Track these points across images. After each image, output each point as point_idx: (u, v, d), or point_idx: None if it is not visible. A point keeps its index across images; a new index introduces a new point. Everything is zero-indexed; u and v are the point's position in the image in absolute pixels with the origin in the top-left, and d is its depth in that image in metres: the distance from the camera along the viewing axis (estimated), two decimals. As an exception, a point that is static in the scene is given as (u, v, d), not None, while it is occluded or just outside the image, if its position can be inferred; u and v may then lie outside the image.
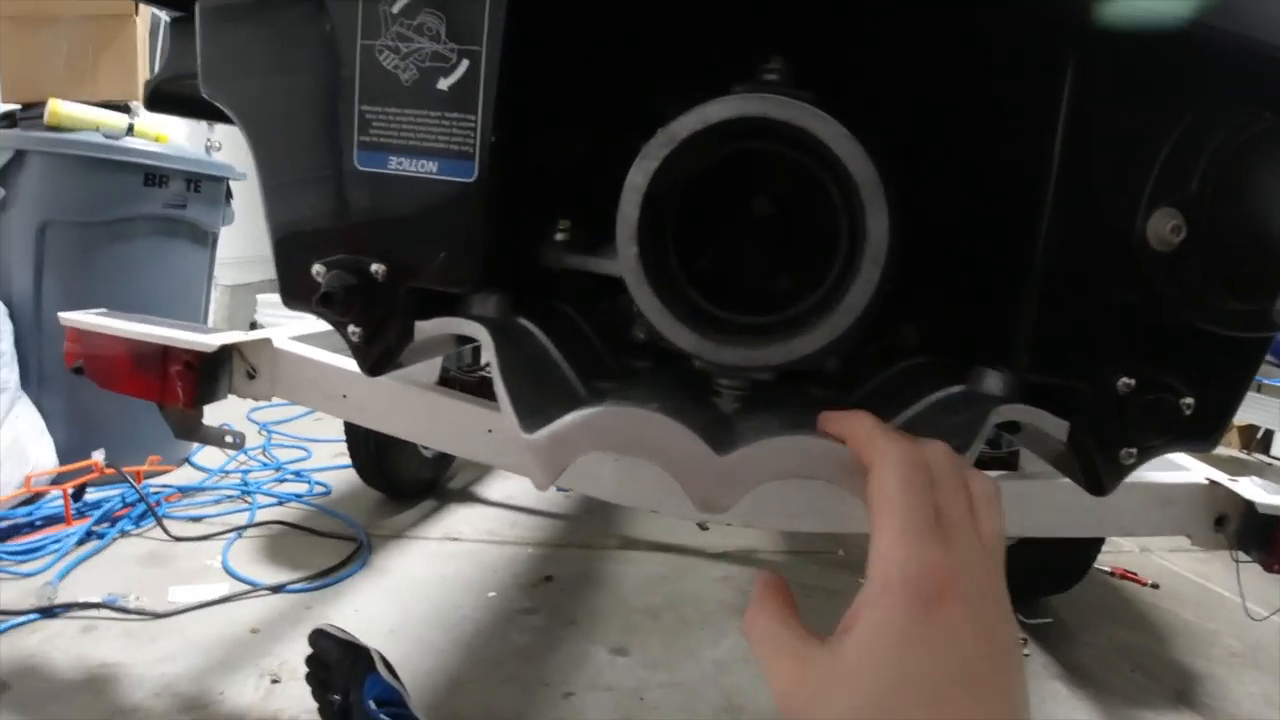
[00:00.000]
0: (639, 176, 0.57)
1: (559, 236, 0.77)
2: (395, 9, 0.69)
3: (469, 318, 0.74)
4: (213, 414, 1.39)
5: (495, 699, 1.61)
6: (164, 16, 0.98)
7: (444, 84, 0.68)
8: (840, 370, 0.92)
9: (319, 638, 1.44)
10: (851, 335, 0.57)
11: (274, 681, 1.58)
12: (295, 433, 3.15)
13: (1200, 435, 0.76)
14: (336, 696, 1.37)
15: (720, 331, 0.61)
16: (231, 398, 1.41)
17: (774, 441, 0.57)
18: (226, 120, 0.85)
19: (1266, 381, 3.93)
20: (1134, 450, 0.74)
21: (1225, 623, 2.34)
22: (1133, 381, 0.71)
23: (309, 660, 1.44)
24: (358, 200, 0.73)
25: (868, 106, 0.82)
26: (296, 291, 0.77)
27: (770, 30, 0.77)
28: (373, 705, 1.33)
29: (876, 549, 0.44)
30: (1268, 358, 2.83)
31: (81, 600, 1.78)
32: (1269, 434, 4.52)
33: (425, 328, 0.74)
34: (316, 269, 0.74)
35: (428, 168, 0.70)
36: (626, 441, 0.57)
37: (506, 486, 2.82)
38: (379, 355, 0.76)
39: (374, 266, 0.73)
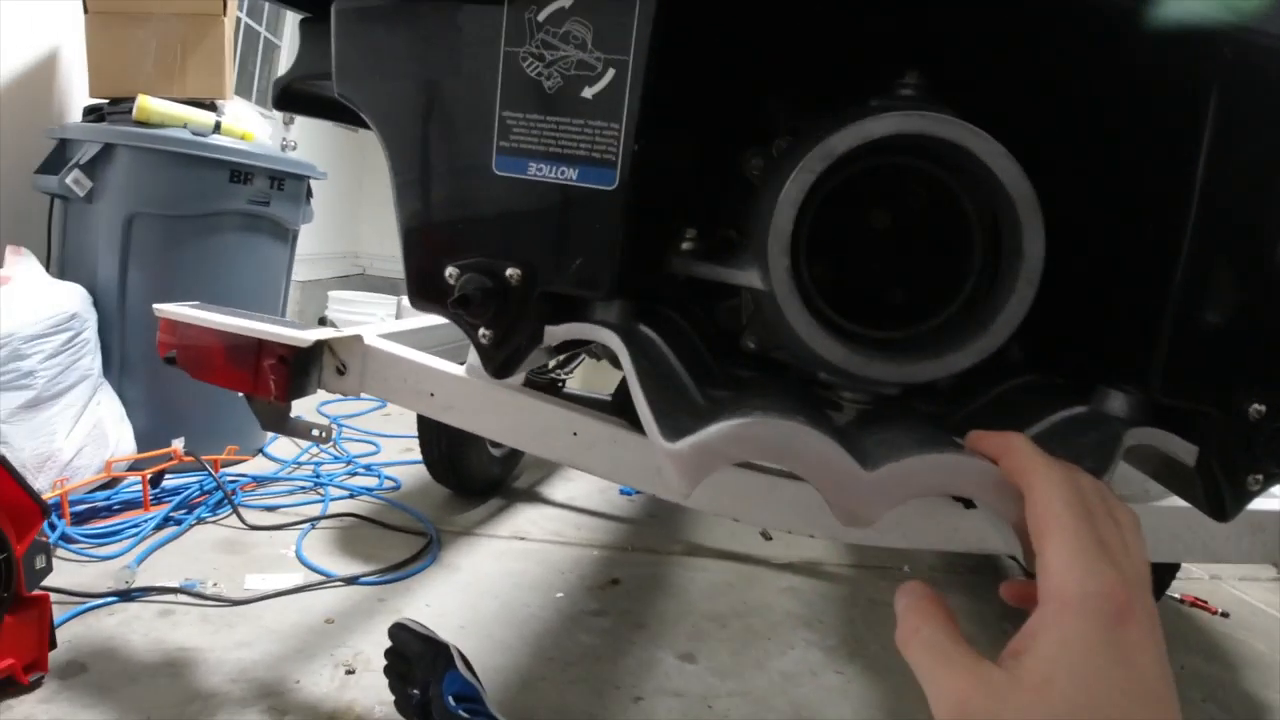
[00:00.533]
0: (794, 190, 0.57)
1: (686, 245, 0.78)
2: (541, 17, 0.70)
3: (596, 323, 0.74)
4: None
5: (567, 699, 1.62)
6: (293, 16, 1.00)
7: (589, 92, 0.69)
8: (950, 386, 0.92)
9: (399, 631, 1.45)
10: (1001, 354, 0.57)
11: (349, 672, 1.60)
12: (365, 427, 3.19)
13: (1328, 465, 0.74)
14: (415, 691, 1.39)
15: (862, 345, 0.61)
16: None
17: (925, 458, 0.57)
18: (358, 122, 0.87)
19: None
20: (1260, 476, 0.73)
21: (1293, 651, 2.30)
22: (1263, 408, 0.70)
23: (388, 653, 1.45)
24: (495, 204, 0.74)
25: (1002, 122, 0.82)
26: (427, 292, 0.78)
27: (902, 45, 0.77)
28: (452, 701, 1.34)
29: (1048, 569, 0.44)
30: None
31: (159, 584, 1.82)
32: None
33: (556, 333, 0.75)
34: (450, 271, 0.75)
35: (568, 174, 0.71)
36: (773, 453, 0.57)
37: (570, 488, 2.83)
38: (506, 358, 0.77)
39: (509, 271, 0.73)
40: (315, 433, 1.48)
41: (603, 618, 1.97)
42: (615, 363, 1.12)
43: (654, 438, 0.62)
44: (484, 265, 0.74)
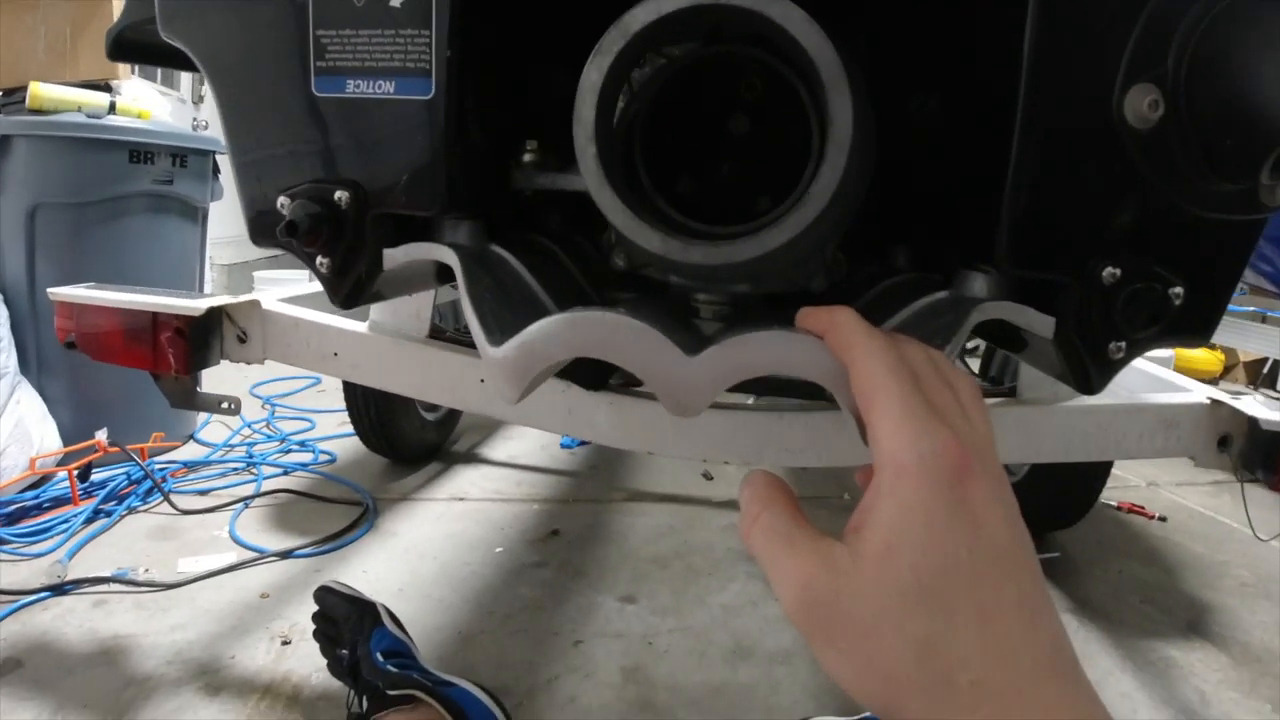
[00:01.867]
0: (594, 74, 0.55)
1: (527, 157, 0.76)
2: (343, -74, 0.67)
3: (438, 243, 0.72)
4: (214, 390, 1.39)
5: (506, 650, 1.62)
6: (121, -37, 0.96)
7: (396, 0, 0.67)
8: (826, 291, 0.91)
9: (325, 594, 1.44)
10: (821, 227, 0.56)
11: (285, 643, 1.59)
12: (300, 405, 3.15)
13: (1193, 328, 0.74)
14: (344, 651, 1.38)
15: (680, 232, 0.60)
16: (235, 377, 1.40)
17: (745, 337, 0.55)
18: (190, 66, 0.84)
19: (1272, 314, 3.89)
20: (1122, 344, 0.72)
21: (1235, 554, 2.34)
22: (1118, 271, 0.69)
23: (316, 617, 1.44)
24: (318, 127, 0.72)
25: (836, 5, 0.80)
26: (263, 227, 0.76)
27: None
28: (380, 658, 1.33)
29: (878, 437, 0.42)
30: (1272, 288, 2.79)
31: (91, 576, 1.79)
32: (1275, 369, 4.49)
33: (395, 255, 0.73)
34: (281, 201, 0.73)
35: (385, 88, 0.68)
36: (596, 345, 0.56)
37: (511, 446, 2.82)
38: (350, 287, 0.75)
39: (338, 194, 0.71)
40: (224, 405, 1.45)
41: (543, 569, 1.96)
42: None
43: (481, 347, 0.60)
44: (313, 191, 0.72)
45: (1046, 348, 0.80)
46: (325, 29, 0.69)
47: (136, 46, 0.98)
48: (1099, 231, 0.68)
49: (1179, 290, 0.71)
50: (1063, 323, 0.72)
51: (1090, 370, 0.74)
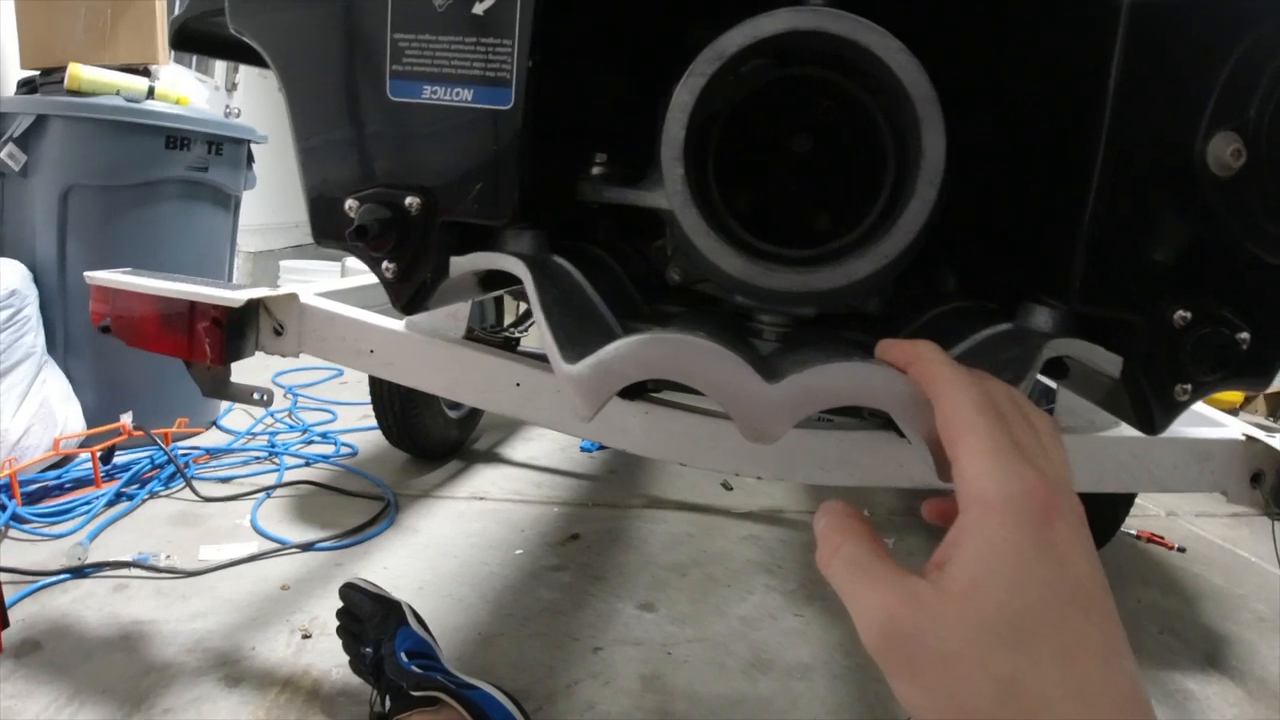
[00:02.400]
0: (685, 94, 0.55)
1: (596, 170, 0.76)
2: (429, -68, 0.67)
3: (506, 253, 0.72)
4: (239, 377, 1.38)
5: (525, 653, 1.61)
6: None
7: (479, 8, 0.66)
8: (880, 312, 0.90)
9: (350, 591, 1.44)
10: (905, 259, 0.55)
11: (305, 637, 1.59)
12: (321, 396, 3.15)
13: (1255, 372, 0.74)
14: (368, 649, 1.38)
15: (762, 257, 0.59)
16: (257, 364, 1.40)
17: (826, 367, 0.55)
18: (255, 60, 0.84)
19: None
20: (1189, 386, 0.72)
21: (1254, 587, 2.33)
22: (1189, 315, 0.69)
23: (340, 614, 1.44)
24: (391, 131, 0.71)
25: (916, 30, 0.80)
26: (329, 228, 0.76)
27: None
28: (404, 657, 1.33)
29: (965, 474, 0.42)
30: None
31: (112, 560, 1.79)
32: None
33: (461, 263, 0.73)
34: (349, 203, 0.73)
35: (463, 96, 0.68)
36: (674, 369, 0.56)
37: (530, 448, 2.82)
38: (413, 292, 0.74)
39: (408, 199, 0.71)
40: (256, 396, 1.45)
41: (562, 572, 1.96)
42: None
43: (555, 361, 0.60)
44: (383, 195, 0.72)
45: (1099, 380, 0.79)
46: (404, 32, 0.69)
47: (201, 37, 0.98)
48: (1172, 273, 0.68)
49: (1245, 335, 0.70)
50: (1130, 362, 0.71)
51: (1154, 411, 0.73)
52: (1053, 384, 1.36)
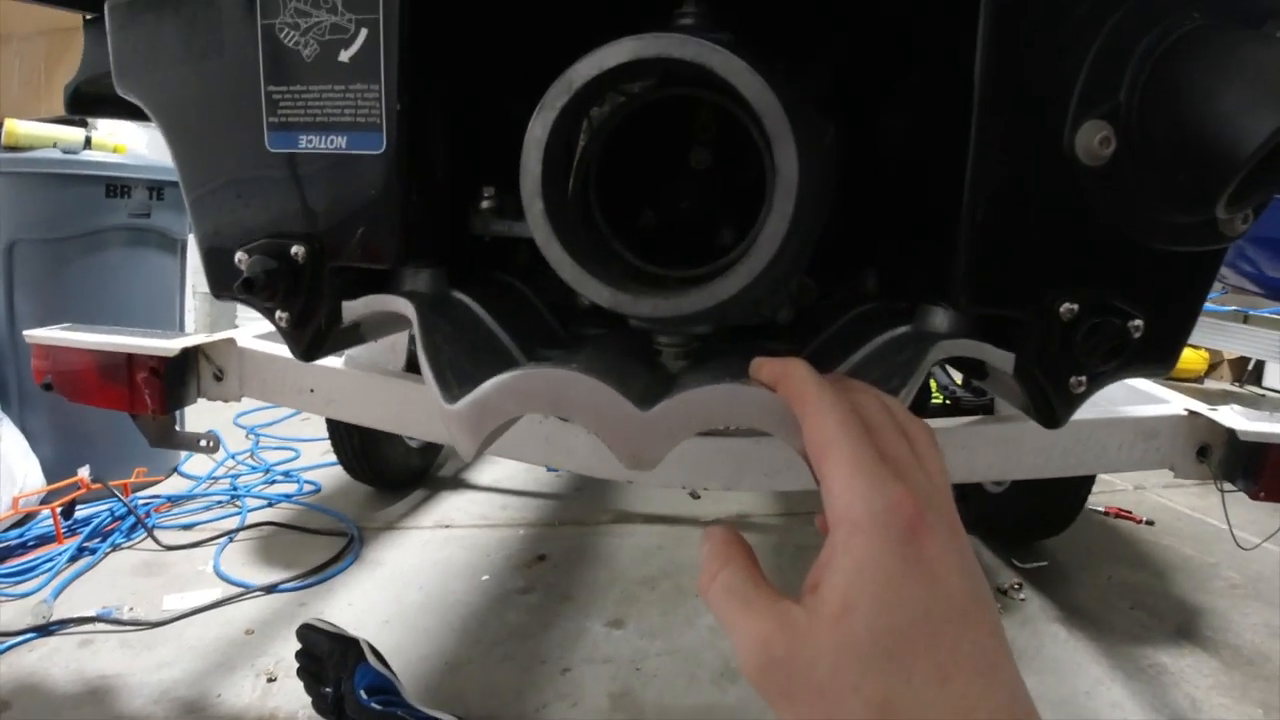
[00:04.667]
0: (538, 129, 0.55)
1: (485, 204, 0.76)
2: (290, -17, 0.67)
3: (398, 294, 0.72)
4: (197, 421, 1.39)
5: (492, 679, 1.61)
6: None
7: (345, 55, 0.67)
8: (793, 322, 0.91)
9: (307, 632, 1.43)
10: (771, 275, 0.56)
11: (270, 680, 1.58)
12: (283, 434, 3.14)
13: (1155, 359, 0.74)
14: (328, 689, 1.37)
15: (642, 284, 0.59)
16: (217, 407, 1.40)
17: (698, 392, 0.55)
18: (145, 118, 0.84)
19: (1254, 313, 3.91)
20: (1083, 378, 0.72)
21: (1224, 556, 2.34)
22: (1075, 307, 0.69)
23: (299, 655, 1.44)
24: (273, 182, 0.71)
25: (790, 48, 0.81)
26: (223, 280, 0.75)
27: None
28: (364, 694, 1.33)
29: (831, 492, 0.42)
30: (1253, 288, 2.80)
31: (77, 615, 1.78)
32: (1260, 366, 4.51)
33: (354, 307, 0.73)
34: (239, 256, 0.73)
35: (337, 143, 0.68)
36: (549, 403, 0.56)
37: (496, 471, 2.82)
38: (310, 339, 0.74)
39: (294, 248, 0.71)
40: (202, 443, 1.44)
41: (529, 595, 1.96)
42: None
43: (435, 400, 0.60)
44: (269, 246, 0.72)
45: (1009, 380, 0.80)
46: (277, 85, 0.69)
47: (94, 99, 0.98)
48: (1055, 267, 0.68)
49: (1139, 323, 0.70)
50: (1023, 358, 0.72)
51: (1054, 404, 0.73)
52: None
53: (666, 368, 0.73)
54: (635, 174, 0.79)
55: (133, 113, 0.83)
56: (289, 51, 0.68)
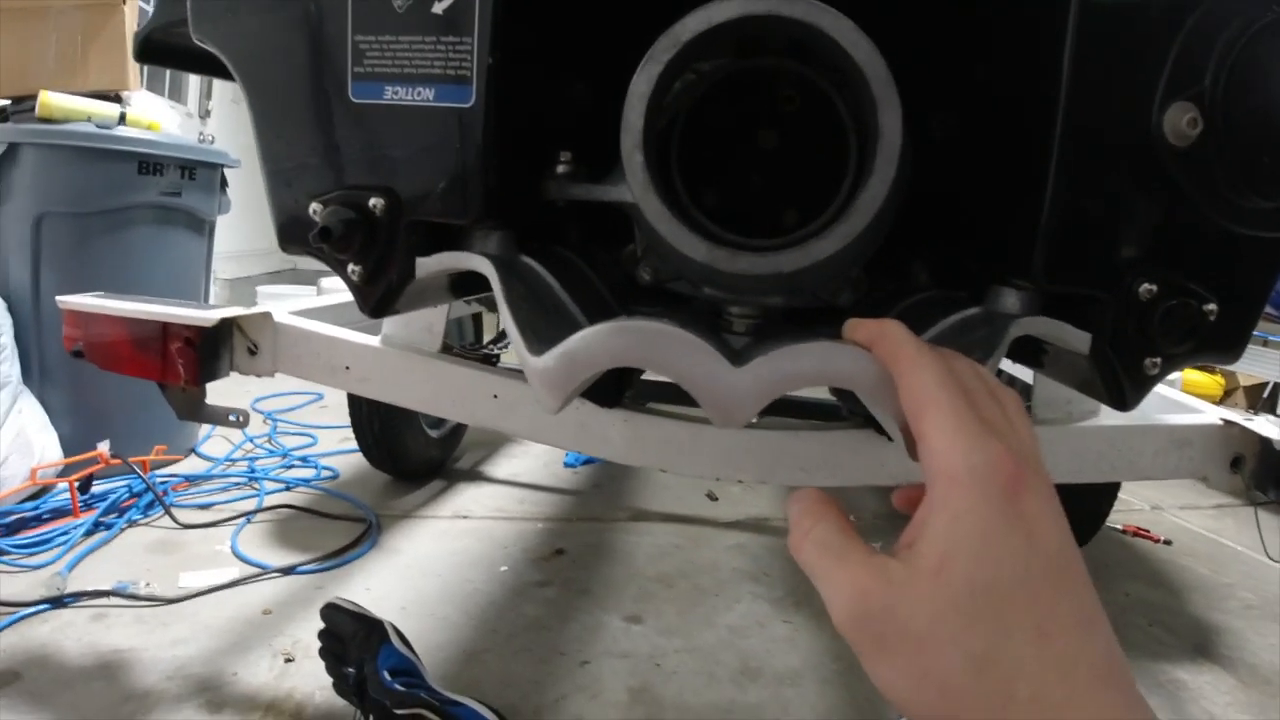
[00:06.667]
0: (643, 83, 0.55)
1: (561, 169, 0.75)
2: (385, -67, 0.67)
3: (471, 253, 0.72)
4: (219, 403, 1.38)
5: (511, 669, 1.60)
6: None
7: (439, 7, 0.66)
8: (852, 306, 0.90)
9: (331, 612, 1.42)
10: (869, 239, 0.55)
11: (287, 660, 1.57)
12: (301, 420, 3.14)
13: (1224, 344, 0.74)
14: (351, 669, 1.36)
15: (726, 242, 0.59)
16: (235, 390, 1.39)
17: (793, 348, 0.55)
18: (219, 71, 0.84)
19: (1274, 338, 3.91)
20: (1158, 359, 0.72)
21: (1241, 576, 2.34)
22: (1155, 287, 0.69)
23: (322, 635, 1.43)
24: (354, 133, 0.71)
25: (874, 17, 0.80)
26: (294, 233, 0.75)
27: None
28: (387, 676, 1.32)
29: (931, 448, 0.41)
30: (1272, 310, 2.80)
31: (91, 589, 1.76)
32: (1276, 392, 4.50)
33: (427, 264, 0.73)
34: (314, 207, 0.72)
35: (424, 95, 0.68)
36: (640, 356, 0.55)
37: (513, 464, 2.81)
38: (381, 294, 0.74)
39: (372, 201, 0.71)
40: (232, 418, 1.43)
41: (547, 588, 1.95)
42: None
43: (521, 354, 0.60)
44: (347, 198, 0.71)
45: (1073, 362, 0.80)
46: (365, 34, 0.69)
47: (165, 49, 0.98)
48: (1136, 247, 0.68)
49: (1213, 307, 0.70)
50: (1099, 339, 0.72)
51: (1125, 386, 0.73)
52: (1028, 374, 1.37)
53: (730, 342, 0.73)
54: (705, 152, 0.79)
55: (206, 65, 0.83)
56: (380, 1, 0.68)
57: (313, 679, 1.50)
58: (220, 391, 1.34)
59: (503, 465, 2.81)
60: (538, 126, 0.77)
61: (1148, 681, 1.74)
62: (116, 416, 2.40)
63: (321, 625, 1.43)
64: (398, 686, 1.31)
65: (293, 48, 0.73)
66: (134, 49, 0.98)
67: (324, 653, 1.43)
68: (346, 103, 0.70)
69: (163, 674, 1.52)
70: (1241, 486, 1.35)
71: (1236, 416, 1.37)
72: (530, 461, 2.82)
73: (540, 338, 0.62)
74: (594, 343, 0.56)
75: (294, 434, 2.99)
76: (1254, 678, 1.80)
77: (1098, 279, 0.69)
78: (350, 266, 0.73)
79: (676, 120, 0.72)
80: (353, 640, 1.39)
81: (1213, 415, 1.38)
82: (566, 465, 2.79)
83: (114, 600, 1.75)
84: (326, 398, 3.45)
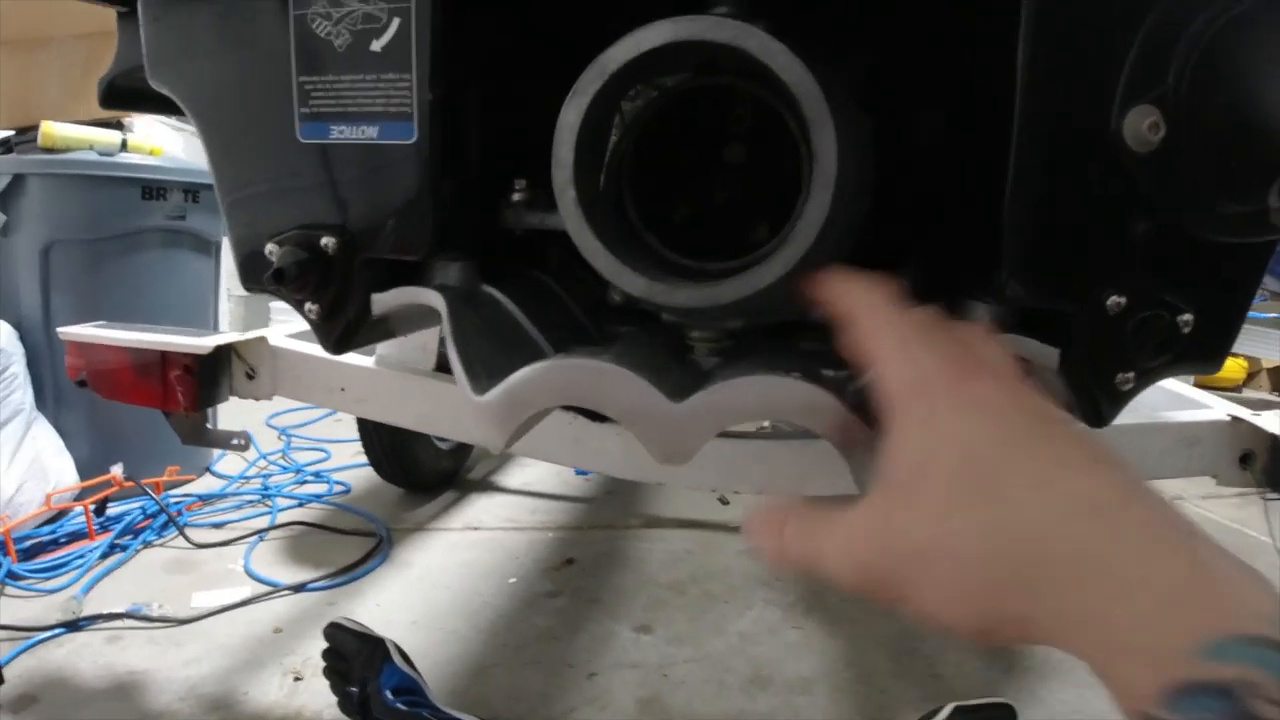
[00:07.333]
0: (571, 114, 0.54)
1: (516, 196, 0.75)
2: (324, -28, 0.66)
3: (428, 286, 0.71)
4: (231, 421, 1.39)
5: (519, 683, 1.60)
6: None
7: (377, 45, 0.66)
8: (829, 320, 0.89)
9: (334, 631, 1.43)
10: (811, 263, 0.54)
11: (297, 679, 1.58)
12: (315, 435, 3.15)
13: (1204, 355, 0.72)
14: (354, 688, 1.37)
15: (665, 273, 0.58)
16: (250, 407, 1.40)
17: (731, 384, 0.54)
18: (179, 112, 0.84)
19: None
20: (1131, 374, 0.70)
21: (1265, 565, 2.24)
22: (1124, 300, 0.67)
23: (326, 654, 1.44)
24: (305, 173, 0.71)
25: (828, 38, 0.79)
26: (253, 273, 0.75)
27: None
28: (390, 695, 1.32)
29: (882, 373, 0.41)
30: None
31: (106, 611, 1.79)
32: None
33: (384, 300, 0.72)
34: (269, 248, 0.72)
35: (368, 133, 0.68)
36: (580, 393, 0.55)
37: (525, 474, 2.81)
38: (340, 332, 0.74)
39: (324, 240, 0.71)
40: (234, 441, 1.44)
41: (557, 598, 1.95)
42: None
43: (463, 392, 0.59)
44: (300, 238, 0.71)
45: (1053, 379, 0.78)
46: (309, 75, 0.69)
47: (129, 93, 0.98)
48: (1103, 258, 0.66)
49: (1188, 317, 0.68)
50: (1068, 354, 0.70)
51: (1100, 402, 0.71)
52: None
53: (699, 364, 0.72)
54: (669, 169, 0.78)
55: (167, 106, 0.83)
56: (321, 42, 0.68)
57: (321, 697, 1.50)
58: (236, 408, 1.35)
59: (515, 475, 2.81)
60: (490, 156, 0.76)
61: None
62: (131, 438, 2.42)
63: (326, 645, 1.44)
64: (400, 705, 1.32)
65: (242, 90, 0.73)
66: (99, 96, 0.99)
67: (328, 672, 1.44)
68: (295, 143, 0.70)
69: (176, 694, 1.54)
70: (1251, 482, 1.33)
71: (1245, 413, 1.34)
72: (542, 470, 2.82)
73: (489, 372, 0.61)
74: (532, 381, 0.55)
75: (308, 449, 3.01)
76: None
77: (1064, 292, 0.67)
78: (307, 305, 0.73)
79: (628, 142, 0.71)
80: (356, 659, 1.39)
81: (1221, 411, 1.35)
82: (578, 473, 2.78)
83: (129, 622, 1.77)
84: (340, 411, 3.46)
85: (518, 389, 0.56)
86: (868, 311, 0.45)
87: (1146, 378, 0.71)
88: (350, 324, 0.74)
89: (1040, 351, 0.70)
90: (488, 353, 0.65)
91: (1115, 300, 0.67)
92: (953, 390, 0.38)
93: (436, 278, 0.74)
